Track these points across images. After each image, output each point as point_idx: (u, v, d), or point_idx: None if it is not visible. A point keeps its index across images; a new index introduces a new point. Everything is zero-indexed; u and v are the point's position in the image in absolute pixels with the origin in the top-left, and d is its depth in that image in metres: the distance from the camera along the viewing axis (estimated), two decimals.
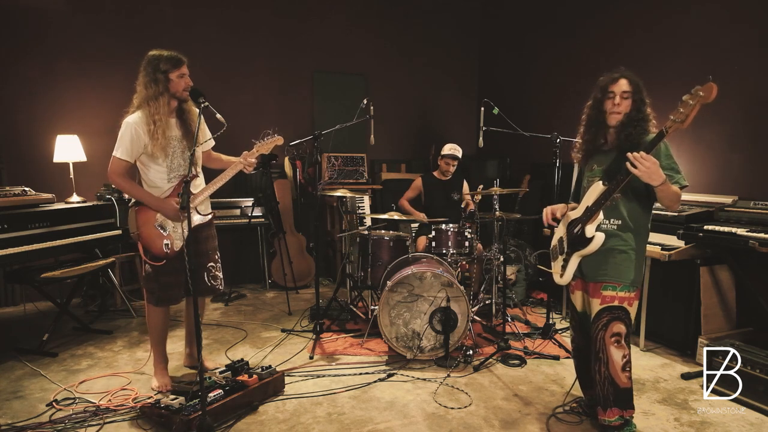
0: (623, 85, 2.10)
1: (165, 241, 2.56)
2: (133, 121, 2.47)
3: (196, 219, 2.66)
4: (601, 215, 2.12)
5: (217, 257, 2.81)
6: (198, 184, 2.66)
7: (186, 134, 2.57)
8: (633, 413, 2.16)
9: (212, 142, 2.83)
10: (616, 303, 2.12)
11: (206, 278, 2.72)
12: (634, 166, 1.92)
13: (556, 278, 2.33)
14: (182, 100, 2.55)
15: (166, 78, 2.46)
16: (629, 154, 1.93)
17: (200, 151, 2.74)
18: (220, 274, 2.81)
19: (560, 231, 2.33)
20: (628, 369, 2.12)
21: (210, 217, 2.77)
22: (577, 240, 2.18)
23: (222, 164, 2.84)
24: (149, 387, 2.72)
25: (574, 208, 2.27)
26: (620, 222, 2.14)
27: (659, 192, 1.98)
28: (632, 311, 2.15)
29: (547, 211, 2.35)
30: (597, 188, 2.12)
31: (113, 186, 3.99)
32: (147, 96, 2.46)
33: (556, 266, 2.35)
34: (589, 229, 2.12)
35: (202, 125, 2.52)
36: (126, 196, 3.97)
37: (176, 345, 3.28)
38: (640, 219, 2.16)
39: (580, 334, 2.37)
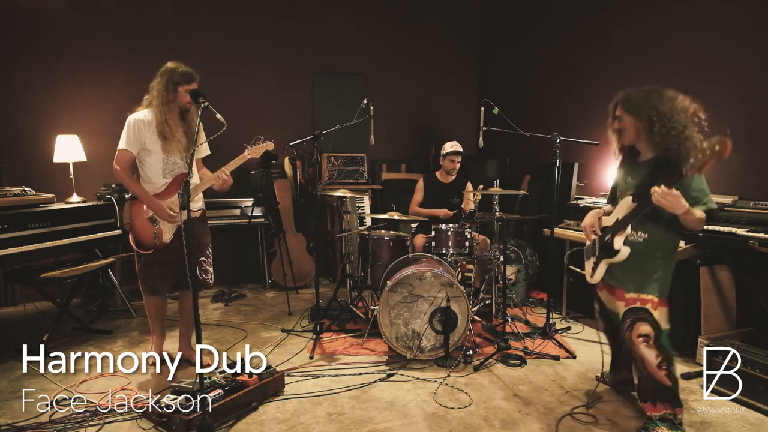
0: None
1: (153, 232, 2.77)
2: (139, 117, 2.68)
3: (185, 214, 2.70)
4: (629, 229, 2.23)
5: (208, 252, 2.98)
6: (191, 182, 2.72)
7: (186, 132, 2.76)
8: (682, 411, 2.21)
9: (208, 150, 2.97)
10: (638, 305, 2.23)
11: (198, 272, 2.84)
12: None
13: (587, 277, 2.50)
14: (185, 110, 2.78)
15: (175, 89, 2.69)
16: (653, 190, 1.99)
17: (198, 155, 2.90)
18: (211, 269, 2.99)
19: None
20: (664, 367, 2.18)
21: (200, 213, 2.92)
22: (606, 247, 2.31)
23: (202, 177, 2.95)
24: (148, 387, 2.71)
25: (609, 213, 2.39)
26: (647, 236, 2.22)
27: (681, 218, 2.07)
28: (657, 315, 2.22)
29: (587, 229, 2.45)
30: (627, 203, 2.24)
31: (115, 182, 4.04)
32: (160, 101, 2.68)
33: (587, 266, 2.50)
34: (617, 242, 2.25)
35: (200, 128, 2.68)
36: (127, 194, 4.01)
37: (176, 345, 3.27)
38: (668, 234, 2.23)
39: (603, 322, 2.63)
